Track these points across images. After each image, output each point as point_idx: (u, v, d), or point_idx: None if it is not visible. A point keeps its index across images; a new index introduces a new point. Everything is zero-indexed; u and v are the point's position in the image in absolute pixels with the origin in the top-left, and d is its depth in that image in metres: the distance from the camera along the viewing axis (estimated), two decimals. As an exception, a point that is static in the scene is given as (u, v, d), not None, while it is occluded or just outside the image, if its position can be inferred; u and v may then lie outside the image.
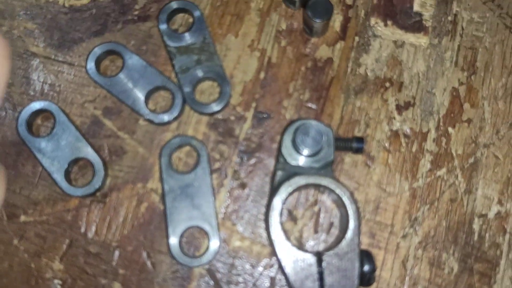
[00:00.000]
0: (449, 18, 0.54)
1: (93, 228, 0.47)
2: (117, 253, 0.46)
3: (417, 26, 0.54)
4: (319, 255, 0.43)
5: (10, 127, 0.49)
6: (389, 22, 0.54)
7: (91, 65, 0.50)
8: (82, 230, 0.47)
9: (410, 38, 0.53)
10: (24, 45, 0.52)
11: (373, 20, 0.54)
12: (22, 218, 0.47)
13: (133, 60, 0.50)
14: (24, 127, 0.48)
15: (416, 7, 0.55)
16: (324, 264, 0.43)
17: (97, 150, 0.48)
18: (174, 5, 0.51)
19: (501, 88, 0.52)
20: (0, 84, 0.17)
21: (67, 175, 0.47)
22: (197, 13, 0.51)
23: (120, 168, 0.48)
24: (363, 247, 0.46)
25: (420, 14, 0.54)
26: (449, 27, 0.54)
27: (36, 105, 0.48)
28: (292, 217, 0.48)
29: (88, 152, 0.47)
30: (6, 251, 0.46)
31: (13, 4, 0.53)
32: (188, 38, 0.51)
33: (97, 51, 0.50)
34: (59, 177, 0.47)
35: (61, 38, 0.52)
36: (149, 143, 0.49)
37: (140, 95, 0.49)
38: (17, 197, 0.47)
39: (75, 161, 0.48)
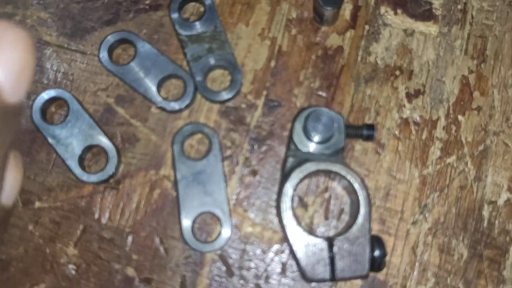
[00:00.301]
0: (459, 6, 0.54)
1: (107, 214, 0.47)
2: (130, 238, 0.47)
3: (427, 15, 0.54)
4: (330, 240, 0.44)
5: (24, 115, 0.50)
6: (399, 11, 0.54)
7: (103, 53, 0.50)
8: (96, 216, 0.47)
9: (420, 26, 0.53)
10: (37, 34, 0.52)
11: (383, 9, 0.54)
12: (37, 204, 0.48)
13: (145, 48, 0.50)
14: (38, 114, 0.48)
15: (426, -4, 0.55)
16: (335, 249, 0.43)
17: (110, 138, 0.48)
18: (185, -7, 0.52)
19: (511, 76, 0.52)
20: (26, 77, 0.18)
21: (81, 162, 0.48)
22: (208, 2, 0.51)
23: (133, 155, 0.49)
24: (374, 233, 0.47)
25: (430, 3, 0.54)
26: (459, 15, 0.54)
27: (50, 93, 0.49)
28: (303, 203, 0.48)
29: (101, 140, 0.48)
30: (21, 237, 0.47)
31: (26, -7, 0.53)
32: (199, 27, 0.51)
33: (110, 39, 0.51)
34: (73, 164, 0.47)
35: (73, 27, 0.53)
36: (162, 130, 0.50)
37: (152, 83, 0.50)
38: (32, 183, 0.48)
39: (89, 148, 0.48)
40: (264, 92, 0.51)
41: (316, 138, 0.46)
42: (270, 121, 0.50)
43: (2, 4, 0.53)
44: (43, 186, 0.48)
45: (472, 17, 0.54)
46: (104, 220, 0.47)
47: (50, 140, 0.48)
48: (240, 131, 0.50)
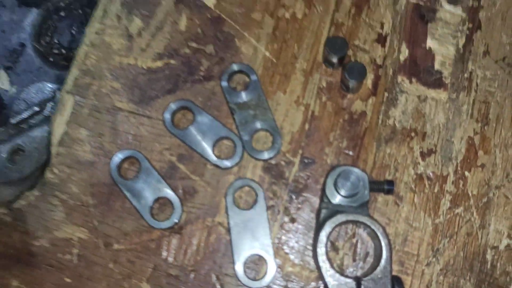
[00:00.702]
0: (465, 75, 0.64)
1: (173, 255, 0.57)
2: (192, 275, 0.57)
3: (438, 83, 0.64)
4: (358, 280, 0.53)
5: (102, 171, 0.60)
6: (413, 80, 0.64)
7: (167, 118, 0.61)
8: (164, 256, 0.57)
9: (432, 93, 0.63)
10: (111, 101, 0.63)
11: (400, 78, 0.64)
12: (115, 246, 0.58)
13: (202, 115, 0.61)
14: (115, 171, 0.59)
15: (436, 66, 0.64)
16: (362, 287, 0.53)
17: (174, 190, 0.59)
18: (234, 67, 0.62)
19: (510, 137, 0.61)
20: None
21: (151, 210, 0.58)
22: (253, 77, 0.62)
23: (192, 205, 0.59)
24: (394, 273, 0.56)
25: (440, 72, 0.64)
26: (465, 83, 0.63)
27: (125, 153, 0.59)
28: (334, 247, 0.58)
29: (168, 192, 0.58)
30: (103, 273, 0.57)
31: (101, 67, 0.64)
32: (245, 96, 0.61)
33: (173, 106, 0.61)
34: (144, 213, 0.58)
35: (141, 95, 0.63)
36: (216, 184, 0.60)
37: (208, 145, 0.60)
38: (111, 228, 0.58)
39: (157, 199, 0.58)
40: (300, 151, 0.61)
41: (345, 193, 0.56)
42: (306, 176, 0.60)
43: (82, 75, 0.64)
44: (120, 231, 0.58)
45: (477, 85, 0.63)
46: (170, 260, 0.57)
47: (125, 192, 0.58)
48: (280, 185, 0.60)
